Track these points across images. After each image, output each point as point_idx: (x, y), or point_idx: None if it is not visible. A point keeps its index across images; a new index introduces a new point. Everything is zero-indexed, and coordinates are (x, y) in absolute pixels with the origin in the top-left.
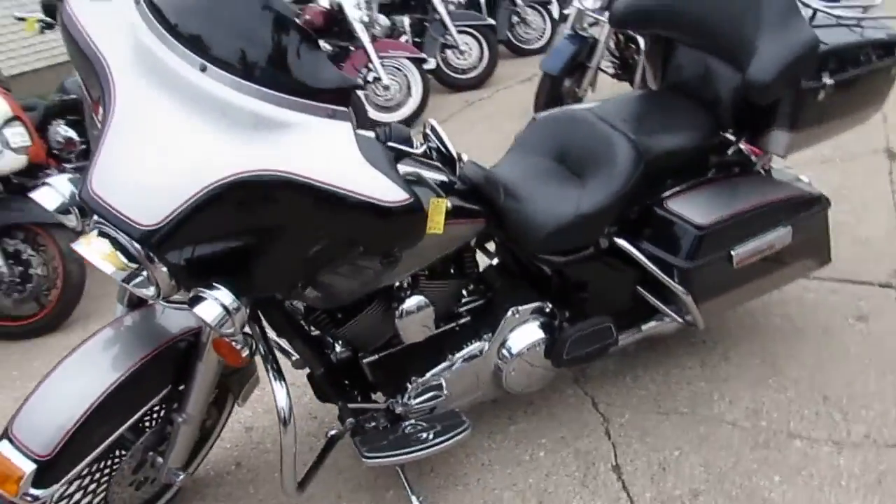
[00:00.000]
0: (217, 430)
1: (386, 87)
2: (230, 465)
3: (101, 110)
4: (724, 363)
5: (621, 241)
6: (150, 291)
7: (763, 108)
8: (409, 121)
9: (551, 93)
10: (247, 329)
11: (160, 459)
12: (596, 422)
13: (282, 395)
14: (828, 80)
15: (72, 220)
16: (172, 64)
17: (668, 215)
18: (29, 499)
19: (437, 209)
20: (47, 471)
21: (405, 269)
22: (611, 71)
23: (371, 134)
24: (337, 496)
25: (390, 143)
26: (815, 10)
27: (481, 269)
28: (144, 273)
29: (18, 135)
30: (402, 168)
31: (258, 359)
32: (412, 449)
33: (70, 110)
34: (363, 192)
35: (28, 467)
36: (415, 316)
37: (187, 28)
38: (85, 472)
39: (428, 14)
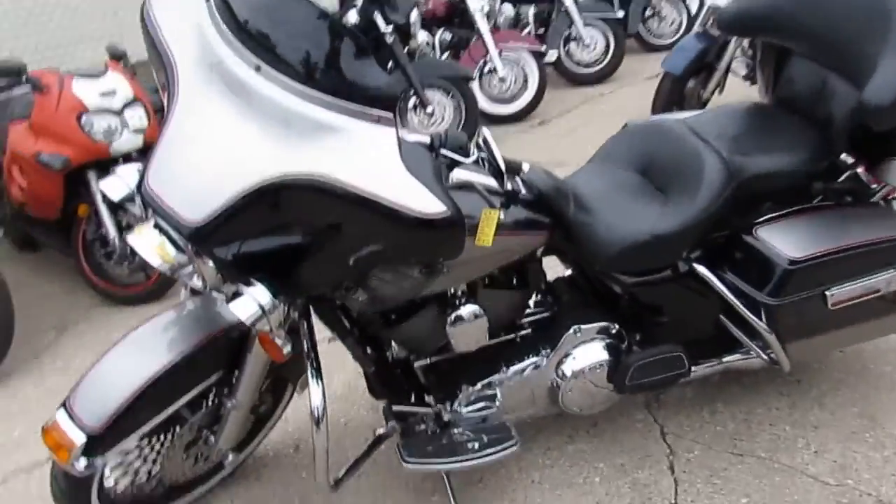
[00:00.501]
0: (274, 416)
1: (502, 79)
2: (289, 448)
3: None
4: (818, 409)
5: (700, 268)
6: (198, 283)
7: (884, 133)
8: (523, 114)
9: (672, 94)
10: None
11: (213, 438)
12: (661, 453)
13: (317, 394)
14: None
15: (136, 209)
16: (230, 63)
17: (757, 244)
18: (79, 467)
19: (488, 221)
20: (97, 443)
21: (457, 278)
22: (743, 73)
23: (426, 139)
24: (382, 492)
25: (443, 151)
26: None
27: (552, 279)
28: (192, 266)
29: (138, 117)
30: (458, 175)
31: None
32: (454, 459)
33: None
34: (400, 201)
35: (79, 439)
36: (467, 325)
37: (247, 28)
38: (137, 444)
39: (554, 5)
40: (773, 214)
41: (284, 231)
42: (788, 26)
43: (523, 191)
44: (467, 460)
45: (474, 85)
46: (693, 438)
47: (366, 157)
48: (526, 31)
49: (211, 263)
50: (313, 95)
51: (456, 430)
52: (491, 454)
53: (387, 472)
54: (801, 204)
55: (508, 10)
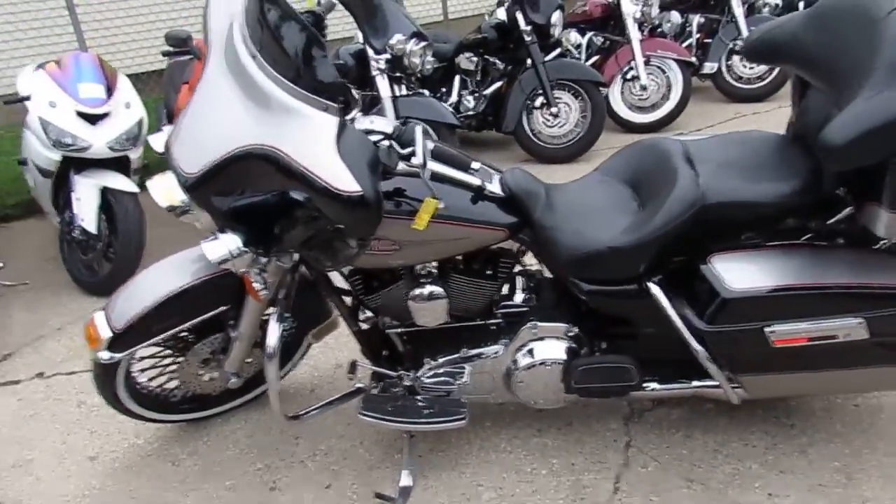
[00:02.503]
0: (291, 361)
1: (643, 87)
2: (307, 390)
3: None
4: (797, 455)
5: (654, 287)
6: (199, 226)
7: (873, 175)
8: (660, 125)
9: None
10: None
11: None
12: (616, 463)
13: (274, 335)
14: None
15: None
16: (241, 51)
17: (706, 271)
18: (104, 357)
19: (427, 208)
20: (119, 341)
21: (412, 256)
22: None
23: (389, 126)
24: (360, 442)
25: (391, 142)
26: None
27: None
28: (193, 211)
29: None
30: (403, 165)
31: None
32: (402, 419)
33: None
34: (323, 176)
35: (106, 334)
36: (425, 303)
37: (257, 29)
38: (159, 349)
39: (724, 15)
40: (738, 246)
41: (256, 191)
42: (805, 57)
43: (491, 188)
44: (414, 423)
45: (615, 90)
46: (654, 456)
47: (308, 137)
48: (688, 41)
49: (204, 210)
50: (284, 83)
51: (417, 398)
52: (437, 423)
53: (368, 426)
54: (786, 239)
55: (676, 18)
